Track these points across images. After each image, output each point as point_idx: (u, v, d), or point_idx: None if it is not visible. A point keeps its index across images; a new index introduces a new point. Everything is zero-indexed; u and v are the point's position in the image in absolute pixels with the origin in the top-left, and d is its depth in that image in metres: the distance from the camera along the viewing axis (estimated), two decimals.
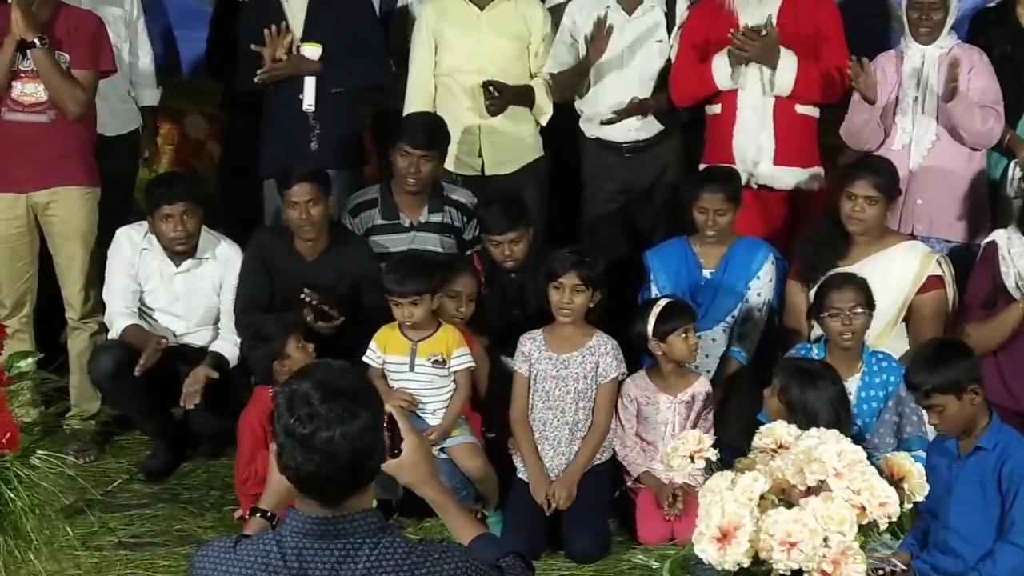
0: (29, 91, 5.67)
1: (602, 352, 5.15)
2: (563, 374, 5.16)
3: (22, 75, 5.65)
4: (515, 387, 5.23)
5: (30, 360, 3.70)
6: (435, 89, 6.19)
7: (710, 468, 3.42)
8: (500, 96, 6.01)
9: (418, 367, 5.25)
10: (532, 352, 5.20)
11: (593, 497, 5.12)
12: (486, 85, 6.01)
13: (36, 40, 5.54)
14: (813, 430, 3.28)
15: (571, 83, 6.13)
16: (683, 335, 5.09)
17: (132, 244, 5.72)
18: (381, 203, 5.90)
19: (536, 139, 6.26)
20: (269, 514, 2.97)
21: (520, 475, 5.21)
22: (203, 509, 5.41)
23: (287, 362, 5.16)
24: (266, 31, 6.01)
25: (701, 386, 5.18)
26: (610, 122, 6.05)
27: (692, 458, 3.45)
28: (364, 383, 2.82)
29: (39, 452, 3.48)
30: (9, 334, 4.46)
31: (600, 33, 5.91)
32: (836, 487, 3.09)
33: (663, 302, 5.19)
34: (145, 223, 5.73)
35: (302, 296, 5.52)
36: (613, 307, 5.39)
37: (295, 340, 5.22)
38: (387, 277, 5.26)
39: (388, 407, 2.83)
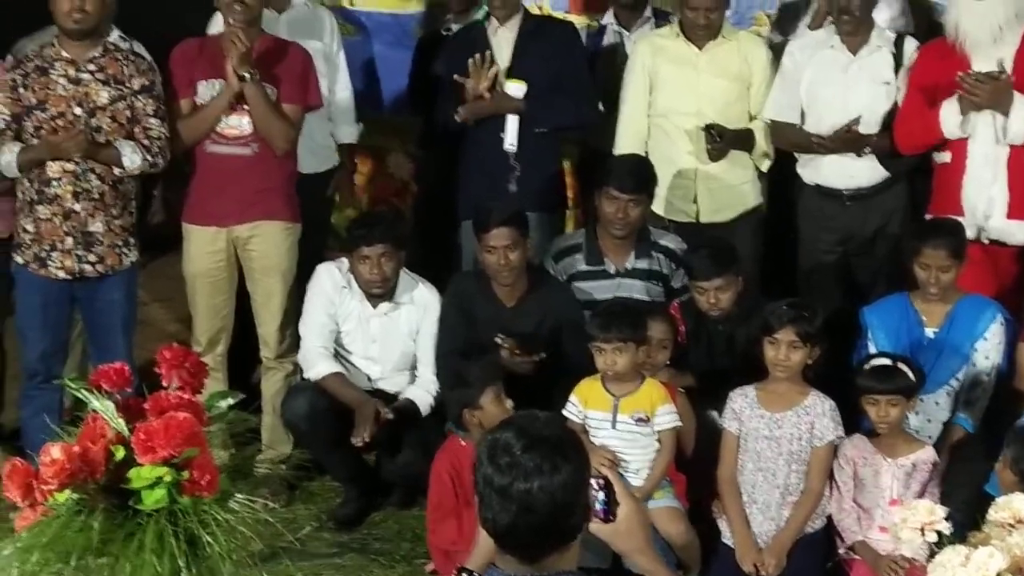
0: (233, 124, 5.80)
1: (818, 412, 5.05)
2: (776, 434, 5.07)
3: (226, 107, 5.77)
4: (723, 446, 5.15)
5: (230, 400, 3.74)
6: (647, 130, 6.18)
7: (940, 542, 3.32)
8: (722, 140, 5.98)
9: (620, 424, 5.19)
10: (743, 409, 5.12)
11: (804, 567, 5.02)
12: (708, 129, 5.98)
13: (247, 74, 5.67)
14: None
15: (793, 146, 6.09)
16: (873, 403, 4.97)
17: (333, 281, 5.79)
18: (585, 248, 5.90)
19: (755, 185, 6.23)
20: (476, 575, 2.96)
21: (725, 540, 5.12)
22: (393, 561, 5.45)
23: (478, 413, 5.16)
24: (471, 60, 6.06)
25: (925, 454, 5.01)
26: (822, 146, 5.92)
27: (923, 531, 3.36)
28: (569, 435, 2.81)
29: (236, 496, 3.53)
30: None
31: (846, 135, 5.87)
32: None
33: (875, 362, 5.08)
34: (346, 261, 5.80)
35: (496, 340, 5.54)
36: (829, 364, 5.28)
37: (492, 392, 5.18)
38: (592, 322, 5.23)
39: (605, 470, 2.82)
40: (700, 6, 6.00)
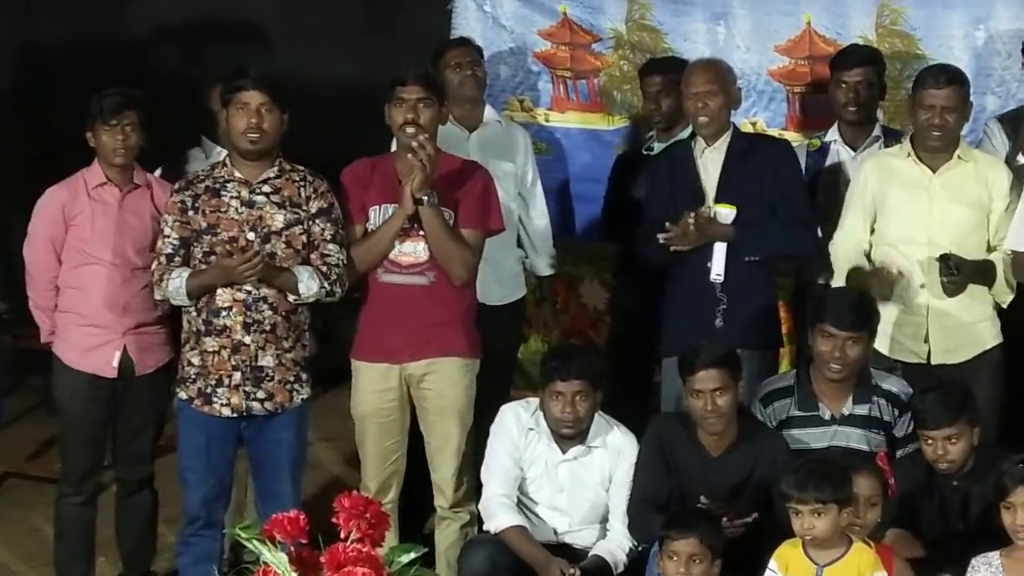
0: (408, 250, 5.80)
1: None
2: None
3: (400, 233, 5.78)
4: None
5: (412, 554, 3.73)
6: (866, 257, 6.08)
7: None
8: (959, 272, 5.85)
9: None
10: None
11: None
12: (943, 259, 5.85)
13: (424, 197, 5.69)
14: None
15: None
16: None
17: (519, 423, 5.74)
18: (798, 391, 5.80)
19: (994, 323, 6.05)
20: None
21: None
22: None
23: (670, 565, 5.09)
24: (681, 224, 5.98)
25: None
26: None
27: None
28: None
29: None
30: None
31: None
32: None
33: None
34: (534, 400, 5.76)
35: (700, 504, 5.45)
36: None
37: (695, 544, 5.10)
38: (786, 480, 5.07)
39: None
40: (936, 104, 5.87)
